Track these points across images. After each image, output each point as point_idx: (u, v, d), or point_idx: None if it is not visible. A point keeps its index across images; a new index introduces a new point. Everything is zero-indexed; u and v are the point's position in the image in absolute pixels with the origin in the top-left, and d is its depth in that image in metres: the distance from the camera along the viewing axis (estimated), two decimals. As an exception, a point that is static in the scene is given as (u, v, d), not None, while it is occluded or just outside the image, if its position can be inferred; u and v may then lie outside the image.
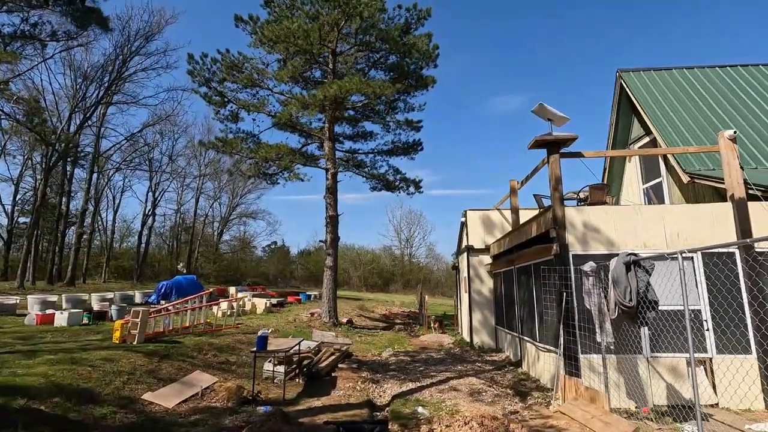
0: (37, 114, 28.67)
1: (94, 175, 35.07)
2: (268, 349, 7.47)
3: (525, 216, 10.72)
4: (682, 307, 6.35)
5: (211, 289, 17.91)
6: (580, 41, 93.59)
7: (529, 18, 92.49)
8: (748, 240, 5.90)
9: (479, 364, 10.25)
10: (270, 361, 8.34)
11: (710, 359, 6.48)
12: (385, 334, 15.77)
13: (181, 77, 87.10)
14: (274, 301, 19.66)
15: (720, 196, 8.20)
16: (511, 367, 9.73)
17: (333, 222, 16.81)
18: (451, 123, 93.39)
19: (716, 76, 12.03)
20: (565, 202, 7.66)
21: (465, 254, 14.19)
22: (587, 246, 7.07)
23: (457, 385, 7.99)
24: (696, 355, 6.24)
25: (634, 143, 12.07)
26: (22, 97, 27.93)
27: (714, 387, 6.37)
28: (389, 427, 5.76)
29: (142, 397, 6.26)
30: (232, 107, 17.55)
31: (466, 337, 14.25)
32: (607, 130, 12.83)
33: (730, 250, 6.67)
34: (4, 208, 36.95)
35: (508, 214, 13.04)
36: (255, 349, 7.42)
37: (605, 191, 8.66)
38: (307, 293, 26.82)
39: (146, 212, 42.16)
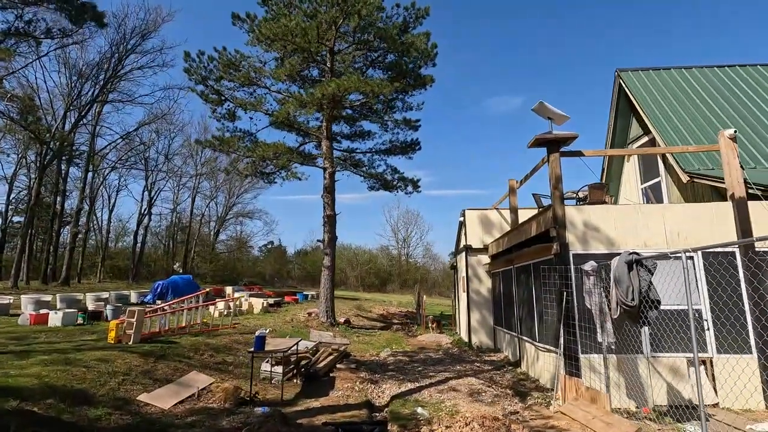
0: (31, 112, 28.37)
1: (90, 174, 34.87)
2: (265, 349, 7.40)
3: (524, 215, 10.70)
4: (682, 307, 6.38)
5: (207, 289, 17.80)
6: (579, 41, 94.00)
7: (529, 18, 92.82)
8: (749, 239, 5.88)
9: (478, 364, 10.21)
10: (267, 362, 8.28)
11: (710, 359, 6.46)
12: (383, 334, 15.71)
13: (177, 75, 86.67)
14: (271, 300, 19.54)
15: (719, 195, 8.20)
16: (510, 367, 9.70)
17: (331, 221, 16.74)
18: (451, 123, 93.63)
19: (715, 76, 12.04)
20: (565, 202, 7.63)
21: (463, 254, 14.15)
22: (587, 245, 7.04)
23: (457, 385, 7.93)
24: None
25: (632, 143, 12.07)
26: (16, 95, 27.63)
27: (714, 387, 6.36)
28: (388, 428, 5.71)
29: (137, 398, 6.17)
30: (229, 106, 17.47)
31: (464, 337, 14.21)
32: (606, 130, 12.85)
33: (731, 249, 6.66)
34: (-2, 207, 36.62)
35: (506, 213, 13.00)
36: (252, 349, 7.36)
37: (604, 190, 8.66)
38: (305, 293, 26.74)
39: (142, 211, 41.93)
